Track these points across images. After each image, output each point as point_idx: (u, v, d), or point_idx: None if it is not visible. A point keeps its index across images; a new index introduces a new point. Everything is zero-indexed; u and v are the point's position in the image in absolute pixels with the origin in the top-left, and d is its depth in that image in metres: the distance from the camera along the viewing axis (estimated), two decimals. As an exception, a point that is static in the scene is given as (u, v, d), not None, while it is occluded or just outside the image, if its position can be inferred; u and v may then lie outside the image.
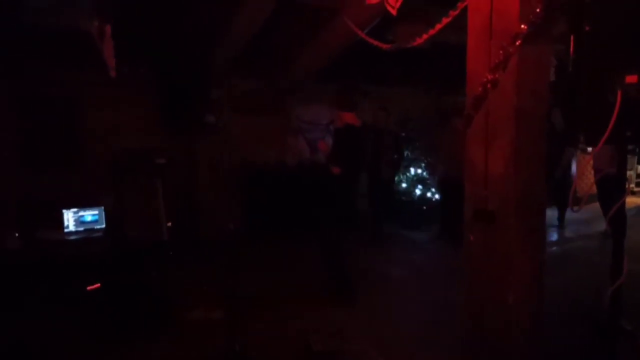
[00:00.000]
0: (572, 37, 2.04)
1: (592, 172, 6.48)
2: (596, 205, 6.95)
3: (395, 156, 7.37)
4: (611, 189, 2.34)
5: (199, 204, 6.50)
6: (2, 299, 4.32)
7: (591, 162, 8.74)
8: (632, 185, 11.12)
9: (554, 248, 6.80)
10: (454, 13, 2.88)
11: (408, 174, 8.42)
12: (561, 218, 7.71)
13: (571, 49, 2.04)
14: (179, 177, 6.29)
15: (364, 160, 4.98)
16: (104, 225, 5.56)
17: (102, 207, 5.60)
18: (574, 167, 9.06)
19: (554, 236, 7.40)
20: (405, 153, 8.10)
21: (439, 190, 8.07)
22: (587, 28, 1.97)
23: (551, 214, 7.40)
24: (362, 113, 4.99)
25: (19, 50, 5.40)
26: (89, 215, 5.51)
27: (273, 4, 4.96)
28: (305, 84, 6.85)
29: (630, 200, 7.96)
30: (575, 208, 2.42)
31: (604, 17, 1.96)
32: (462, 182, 2.89)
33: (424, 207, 8.41)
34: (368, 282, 5.13)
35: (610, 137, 1.89)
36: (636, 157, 10.47)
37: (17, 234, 4.95)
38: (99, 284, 4.64)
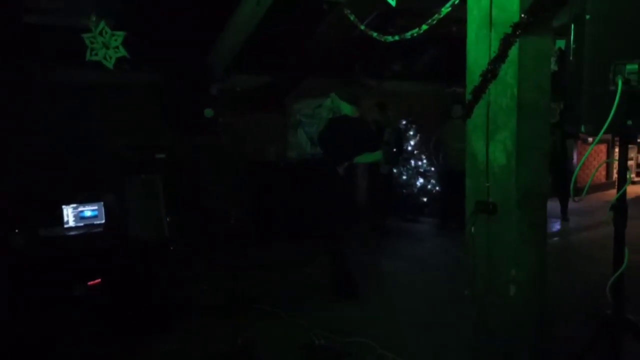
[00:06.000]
0: (572, 26, 2.02)
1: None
2: (598, 195, 6.95)
3: (394, 150, 7.36)
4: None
5: (201, 200, 6.51)
6: (6, 296, 4.33)
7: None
8: (633, 175, 11.09)
9: (556, 239, 6.80)
10: (454, 4, 2.86)
11: (408, 166, 8.41)
12: (563, 209, 7.69)
13: (572, 38, 2.02)
14: (180, 173, 6.29)
15: (347, 150, 4.73)
16: (103, 221, 5.55)
17: (102, 202, 5.59)
18: (574, 157, 9.07)
19: (556, 227, 7.39)
20: (405, 145, 8.09)
21: (441, 181, 8.06)
22: (587, 17, 1.95)
23: (553, 204, 7.39)
24: (361, 108, 4.90)
25: (21, 50, 5.38)
26: (89, 210, 5.50)
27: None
28: (305, 79, 6.82)
29: (631, 190, 7.92)
30: (577, 198, 2.41)
31: (605, 5, 1.94)
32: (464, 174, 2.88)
33: (425, 199, 8.43)
34: (370, 277, 5.13)
35: (610, 127, 1.88)
36: (637, 147, 10.47)
37: (18, 232, 4.94)
38: (99, 279, 4.65)
